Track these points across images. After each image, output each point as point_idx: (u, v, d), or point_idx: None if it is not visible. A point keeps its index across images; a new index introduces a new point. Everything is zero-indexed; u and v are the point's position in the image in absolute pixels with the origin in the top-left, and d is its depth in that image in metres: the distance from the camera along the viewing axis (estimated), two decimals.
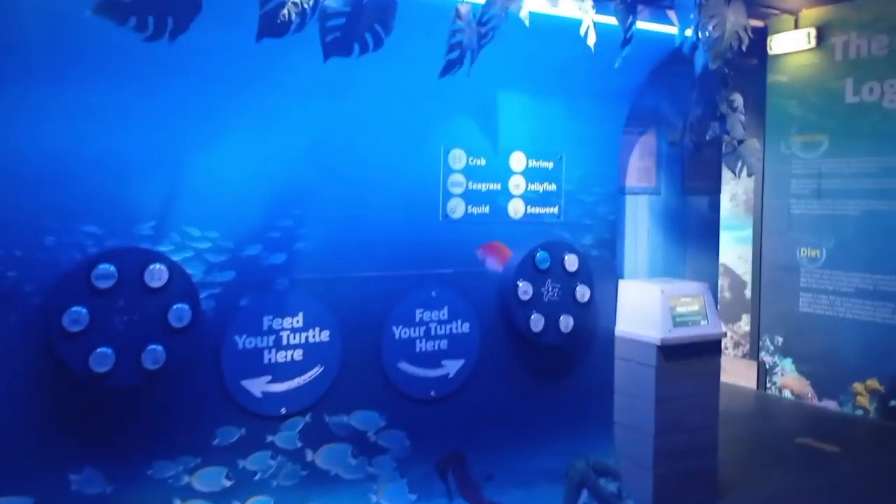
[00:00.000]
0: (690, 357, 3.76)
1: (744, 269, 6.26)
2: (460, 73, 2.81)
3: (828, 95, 5.60)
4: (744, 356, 6.26)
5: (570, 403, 3.72)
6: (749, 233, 6.20)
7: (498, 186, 3.52)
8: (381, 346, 3.26)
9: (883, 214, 5.28)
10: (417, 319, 3.34)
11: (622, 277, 3.98)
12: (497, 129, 3.49)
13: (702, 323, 3.80)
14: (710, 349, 3.85)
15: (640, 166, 4.09)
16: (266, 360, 3.00)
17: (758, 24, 6.01)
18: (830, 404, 5.58)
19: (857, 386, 5.43)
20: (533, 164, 3.61)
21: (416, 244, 3.32)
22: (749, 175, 3.70)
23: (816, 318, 5.70)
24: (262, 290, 3.00)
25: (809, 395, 5.74)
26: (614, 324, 3.85)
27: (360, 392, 3.20)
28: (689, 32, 3.45)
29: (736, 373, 6.27)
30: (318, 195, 3.09)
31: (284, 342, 3.04)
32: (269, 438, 3.02)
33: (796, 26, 5.77)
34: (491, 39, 2.83)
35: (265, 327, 3.00)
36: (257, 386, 2.99)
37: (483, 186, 3.48)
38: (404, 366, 3.31)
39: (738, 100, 3.72)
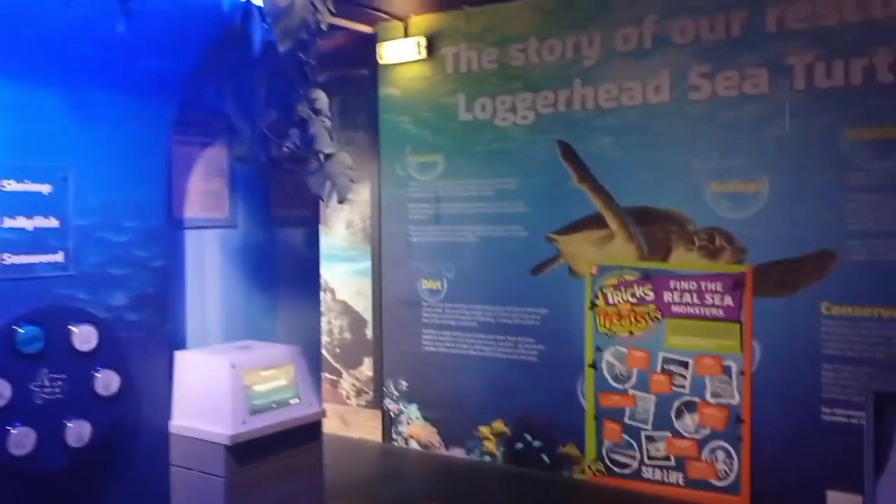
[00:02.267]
0: (278, 452, 2.73)
1: (364, 306, 5.51)
2: None
3: (441, 112, 5.09)
4: (367, 405, 5.50)
5: None
6: (369, 264, 5.47)
7: None
8: None
9: (500, 241, 4.88)
10: None
11: (182, 347, 2.82)
12: None
13: (292, 402, 2.81)
14: (306, 435, 2.87)
15: (205, 190, 2.98)
16: None
17: (367, 30, 5.33)
18: (458, 452, 5.04)
19: (484, 430, 4.95)
20: (13, 186, 2.28)
21: None
22: (340, 201, 2.78)
23: (440, 357, 5.14)
24: None
25: (437, 443, 5.15)
26: (168, 418, 2.67)
27: None
28: None
29: (360, 425, 5.48)
30: None
31: None
32: None
33: (406, 34, 5.18)
34: None
35: None
36: None
37: None
38: None
39: (323, 99, 2.79)
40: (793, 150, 3.93)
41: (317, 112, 2.78)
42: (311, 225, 3.48)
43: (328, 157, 2.76)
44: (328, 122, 2.82)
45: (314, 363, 3.33)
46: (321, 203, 3.06)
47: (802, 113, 3.89)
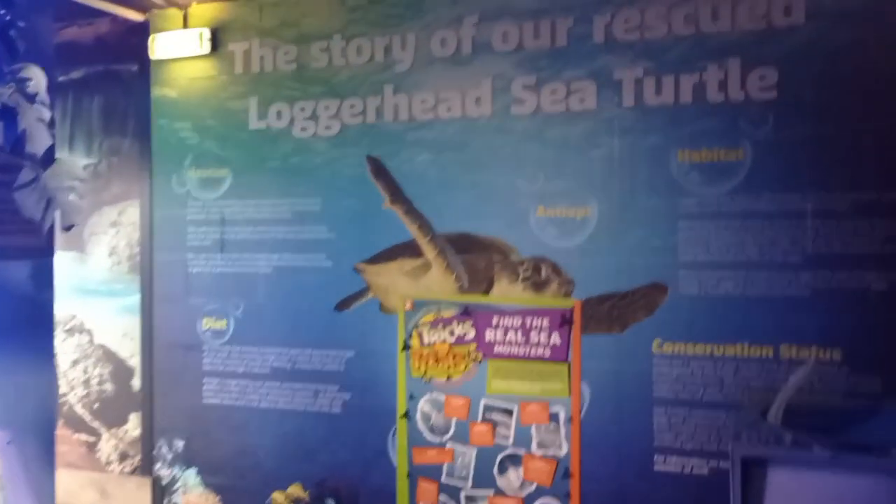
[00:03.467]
0: None
1: (131, 351, 4.51)
2: None
3: (229, 118, 4.29)
4: (133, 471, 4.48)
5: None
6: (137, 300, 4.49)
7: None
8: None
9: (299, 272, 4.15)
10: None
11: None
12: None
13: None
14: None
15: None
16: None
17: (137, 17, 4.43)
18: None
19: (278, 496, 4.14)
20: None
21: None
22: (66, 229, 1.95)
23: (225, 410, 4.28)
24: None
25: None
26: None
27: None
28: None
29: (123, 497, 4.46)
30: None
31: None
32: None
33: (185, 25, 4.35)
34: None
35: None
36: None
37: None
38: None
39: (38, 80, 1.96)
40: (622, 172, 3.58)
41: (30, 98, 1.93)
42: (42, 257, 2.57)
43: (47, 164, 1.91)
44: (46, 113, 1.98)
45: (44, 444, 2.42)
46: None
47: (631, 132, 3.56)
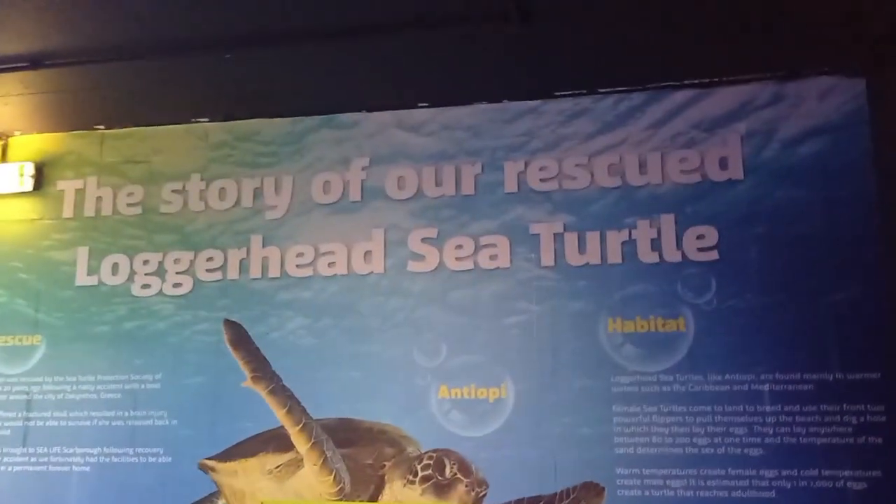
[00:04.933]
0: None
1: None
2: None
3: (48, 271, 3.41)
4: None
5: None
6: None
7: None
8: None
9: (128, 470, 3.19)
10: None
11: None
12: None
13: None
14: None
15: None
16: None
17: None
18: None
19: None
20: None
21: None
22: None
23: None
24: None
25: None
26: None
27: None
28: None
29: None
30: None
31: None
32: None
33: (5, 157, 3.53)
34: None
35: None
36: None
37: None
38: None
39: None
40: (542, 344, 2.96)
41: None
42: None
43: None
44: None
45: None
46: None
47: (553, 296, 2.98)
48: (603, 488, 2.82)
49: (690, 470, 2.77)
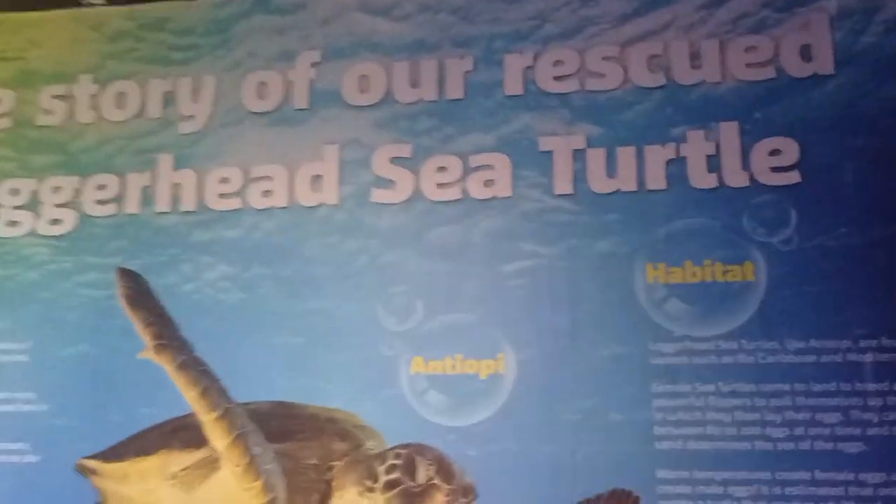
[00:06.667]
0: None
1: None
2: None
3: None
4: None
5: None
6: None
7: None
8: None
9: None
10: None
11: None
12: None
13: None
14: None
15: None
16: None
17: None
18: None
19: None
20: None
21: None
22: None
23: None
24: None
25: None
26: None
27: None
28: None
29: None
30: None
31: None
32: None
33: None
34: None
35: None
36: None
37: None
38: None
39: None
40: (554, 300, 2.22)
41: None
42: None
43: None
44: None
45: None
46: None
47: (569, 234, 2.24)
48: (637, 497, 2.08)
49: (762, 473, 2.04)
